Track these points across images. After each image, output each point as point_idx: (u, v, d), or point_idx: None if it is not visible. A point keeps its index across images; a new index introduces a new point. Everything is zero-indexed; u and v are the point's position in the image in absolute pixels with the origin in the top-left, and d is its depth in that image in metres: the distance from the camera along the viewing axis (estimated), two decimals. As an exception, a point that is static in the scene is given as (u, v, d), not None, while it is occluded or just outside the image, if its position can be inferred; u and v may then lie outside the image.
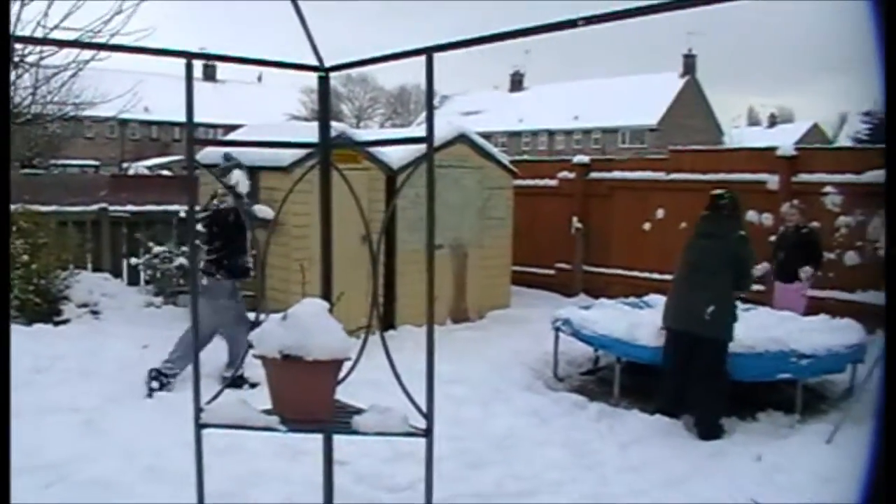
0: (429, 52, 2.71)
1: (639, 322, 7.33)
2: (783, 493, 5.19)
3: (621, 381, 7.29)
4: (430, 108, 2.85)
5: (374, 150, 9.32)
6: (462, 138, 10.60)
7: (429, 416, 2.88)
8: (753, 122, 76.34)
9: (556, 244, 13.14)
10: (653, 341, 6.88)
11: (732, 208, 6.71)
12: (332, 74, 3.51)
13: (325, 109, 3.53)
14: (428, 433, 2.88)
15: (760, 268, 8.19)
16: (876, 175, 9.66)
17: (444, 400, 6.37)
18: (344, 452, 4.79)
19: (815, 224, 9.00)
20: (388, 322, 9.72)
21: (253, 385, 6.55)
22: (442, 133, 10.38)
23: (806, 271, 8.38)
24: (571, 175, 13.15)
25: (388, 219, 3.10)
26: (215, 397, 3.29)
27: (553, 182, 13.38)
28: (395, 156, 9.49)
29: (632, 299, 9.00)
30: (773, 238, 8.18)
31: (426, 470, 2.92)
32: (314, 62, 3.48)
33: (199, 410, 3.16)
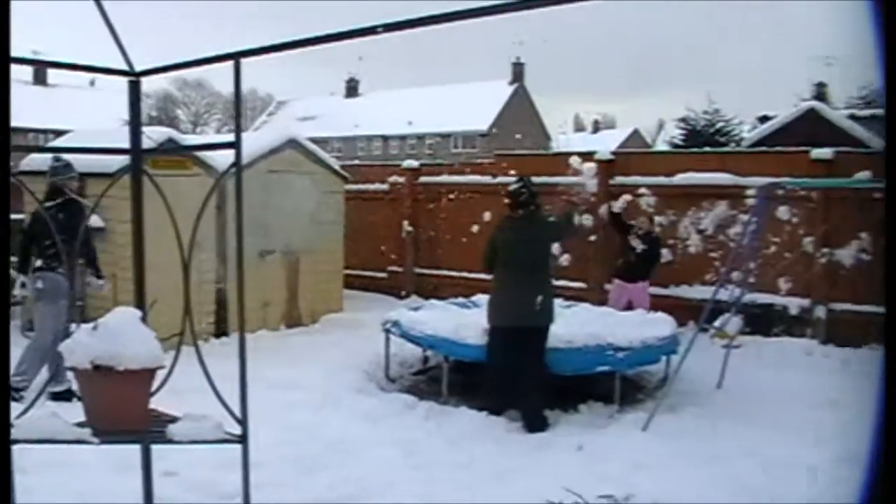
0: (236, 57, 2.72)
1: (465, 321, 7.51)
2: (601, 480, 5.36)
3: (449, 379, 7.44)
4: (238, 114, 2.87)
5: (204, 155, 9.10)
6: (292, 143, 10.53)
7: (243, 421, 2.88)
8: (579, 128, 79.21)
9: (388, 247, 13.31)
10: (479, 340, 7.05)
11: (531, 197, 6.96)
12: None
13: (136, 115, 3.47)
14: (243, 439, 2.88)
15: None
16: (685, 177, 10.34)
17: (277, 405, 6.36)
18: (174, 462, 4.71)
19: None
20: (220, 329, 9.53)
21: (80, 397, 6.28)
22: (271, 139, 10.30)
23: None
24: (402, 179, 13.33)
25: (197, 224, 3.05)
26: (25, 411, 3.16)
27: (384, 186, 13.52)
28: (224, 161, 9.29)
29: (460, 300, 9.21)
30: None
31: (243, 476, 2.91)
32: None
33: (8, 426, 3.02)
